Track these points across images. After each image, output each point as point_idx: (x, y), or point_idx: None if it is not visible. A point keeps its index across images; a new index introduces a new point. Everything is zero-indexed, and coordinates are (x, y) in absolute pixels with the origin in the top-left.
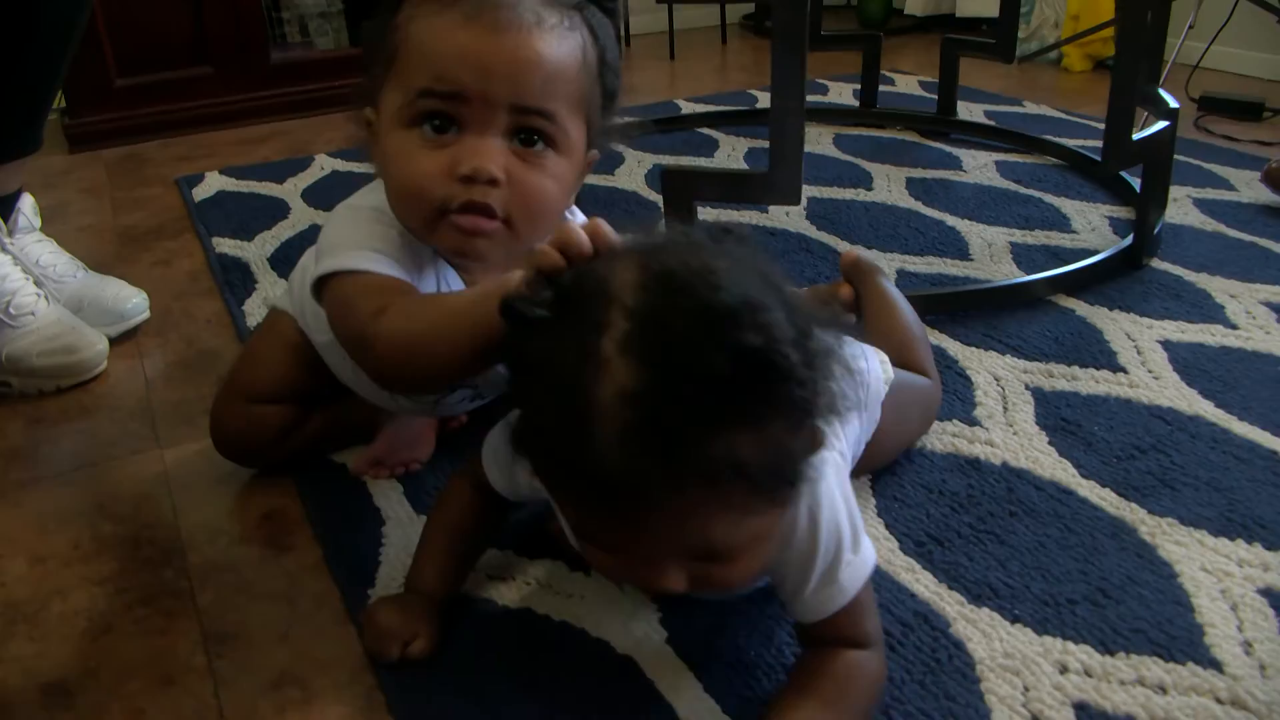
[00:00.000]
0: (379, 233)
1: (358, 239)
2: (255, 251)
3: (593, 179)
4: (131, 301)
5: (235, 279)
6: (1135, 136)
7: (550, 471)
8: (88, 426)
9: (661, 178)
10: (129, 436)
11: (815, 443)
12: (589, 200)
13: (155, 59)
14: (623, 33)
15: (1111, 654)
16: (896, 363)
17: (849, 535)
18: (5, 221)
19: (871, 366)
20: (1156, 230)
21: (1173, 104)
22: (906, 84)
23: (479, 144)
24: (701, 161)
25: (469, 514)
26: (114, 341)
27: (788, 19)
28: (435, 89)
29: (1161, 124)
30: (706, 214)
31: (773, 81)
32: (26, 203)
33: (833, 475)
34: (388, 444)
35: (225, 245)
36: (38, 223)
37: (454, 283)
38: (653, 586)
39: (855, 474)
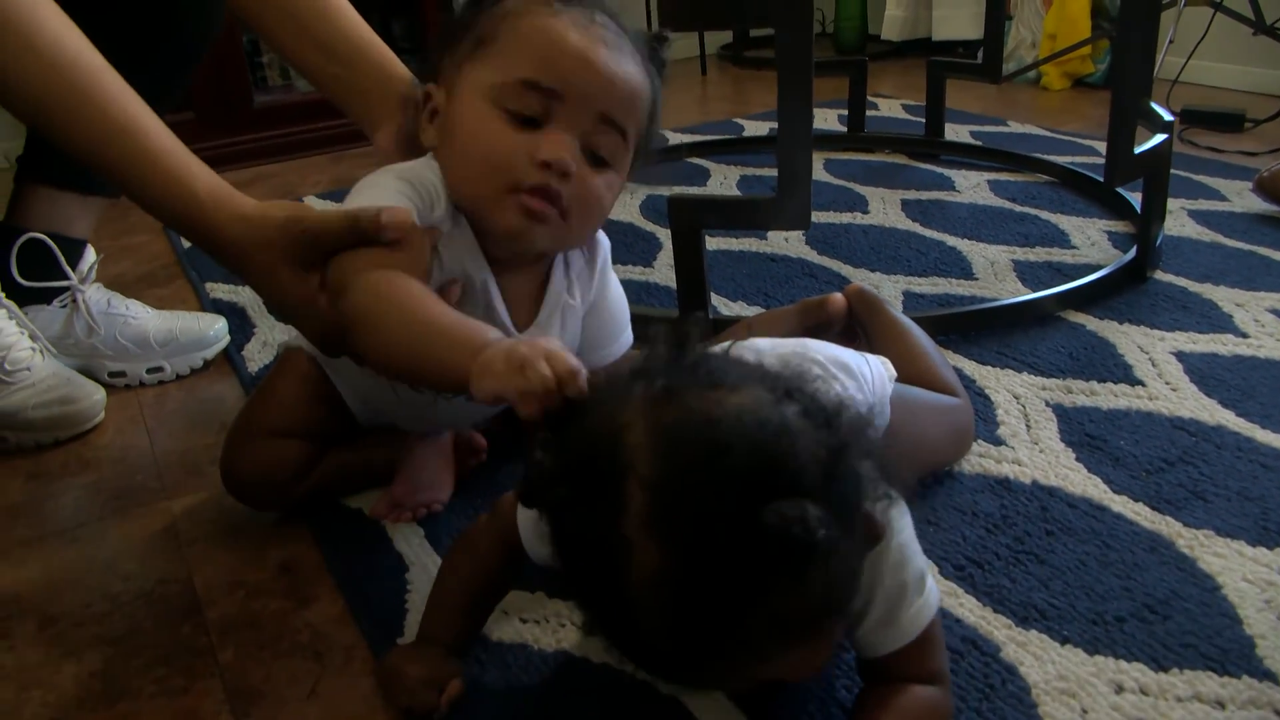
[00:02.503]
0: (419, 179)
1: (386, 181)
2: (250, 295)
3: None
4: (216, 325)
5: (232, 324)
6: (1136, 151)
7: (598, 626)
8: (90, 480)
9: (668, 206)
10: (134, 489)
11: (874, 537)
12: None
13: None
14: None
15: (1165, 670)
16: (921, 385)
17: (913, 589)
18: (74, 268)
19: (873, 368)
20: (1158, 243)
21: (1167, 117)
22: (890, 107)
23: (562, 137)
24: (694, 190)
25: (491, 565)
26: (112, 392)
27: (793, 45)
28: (540, 82)
29: (1160, 137)
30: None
31: (780, 108)
32: (92, 254)
33: (904, 527)
34: (406, 485)
35: (219, 290)
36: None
37: (486, 276)
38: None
39: None
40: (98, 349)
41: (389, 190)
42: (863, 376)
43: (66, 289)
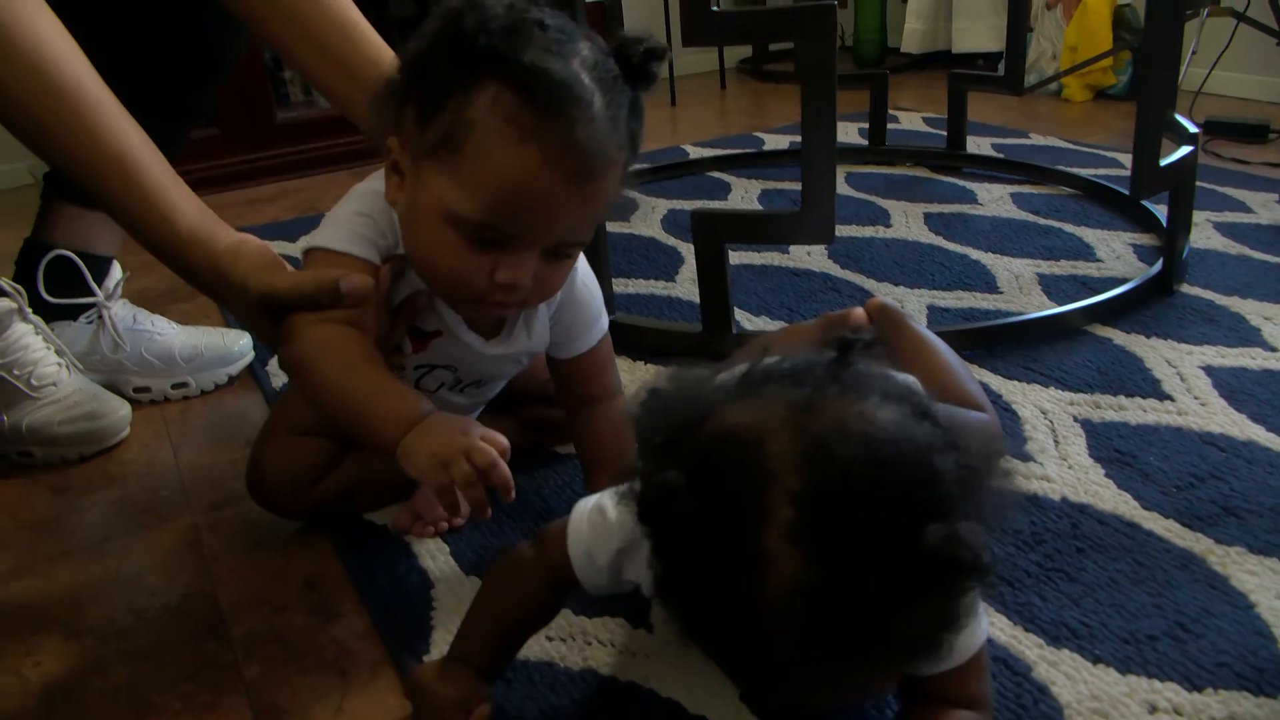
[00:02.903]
0: (378, 211)
1: (348, 218)
2: None
3: (610, 226)
4: (241, 341)
5: (255, 340)
6: (1161, 163)
7: (706, 642)
8: (116, 495)
9: (692, 221)
10: (159, 504)
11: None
12: (611, 249)
13: None
14: None
15: (1199, 690)
16: (948, 400)
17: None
18: (100, 284)
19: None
20: (1184, 256)
21: (1192, 129)
22: (910, 120)
23: (519, 261)
24: (716, 205)
25: (538, 599)
26: (137, 408)
27: (815, 57)
28: (501, 226)
29: (1185, 149)
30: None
31: (803, 121)
32: (118, 271)
33: None
34: (427, 496)
35: None
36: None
37: (459, 328)
38: None
39: None
40: (123, 365)
41: (350, 230)
42: None
43: (93, 305)
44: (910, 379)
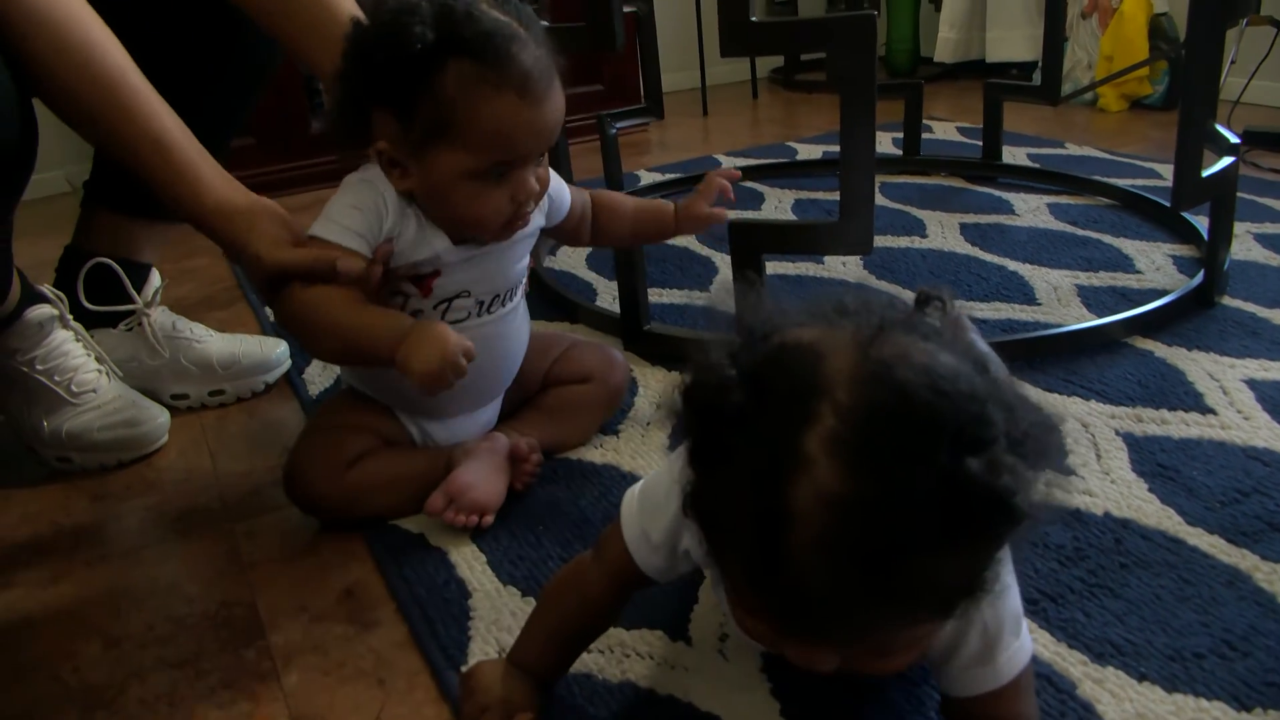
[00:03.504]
0: (367, 204)
1: (343, 212)
2: None
3: None
4: (278, 349)
5: (293, 347)
6: (1204, 174)
7: (726, 560)
8: (154, 502)
9: (729, 231)
10: (196, 511)
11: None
12: (646, 260)
13: None
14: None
15: (1248, 710)
16: None
17: (1009, 629)
18: (139, 291)
19: None
20: (1225, 267)
21: (1233, 139)
22: (944, 130)
23: (527, 177)
24: (749, 215)
25: (601, 606)
26: (175, 414)
27: (855, 67)
28: (508, 159)
29: (1227, 160)
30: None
31: (842, 131)
32: (157, 278)
33: (1007, 560)
34: (458, 482)
35: None
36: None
37: (440, 244)
38: (800, 663)
39: None
40: (161, 372)
41: (342, 225)
42: None
43: (132, 313)
44: (984, 346)
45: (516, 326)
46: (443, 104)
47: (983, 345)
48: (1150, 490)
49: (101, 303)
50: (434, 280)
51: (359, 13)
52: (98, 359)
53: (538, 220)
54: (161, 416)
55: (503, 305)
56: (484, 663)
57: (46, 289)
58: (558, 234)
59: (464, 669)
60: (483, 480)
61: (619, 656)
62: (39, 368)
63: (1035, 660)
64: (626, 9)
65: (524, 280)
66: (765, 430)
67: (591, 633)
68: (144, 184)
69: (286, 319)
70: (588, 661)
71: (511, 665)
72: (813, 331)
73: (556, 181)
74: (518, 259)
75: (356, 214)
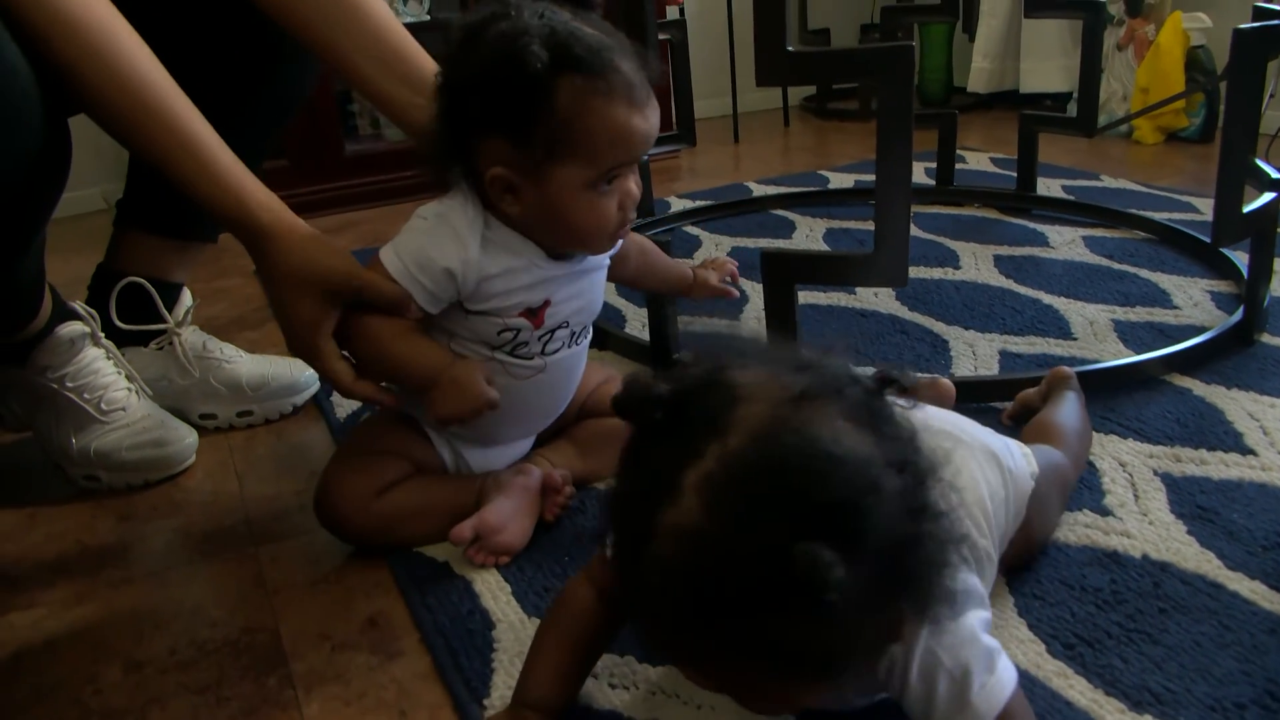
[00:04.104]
0: (452, 266)
1: (424, 265)
2: None
3: None
4: (306, 373)
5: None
6: (1245, 210)
7: (612, 559)
8: (180, 523)
9: (761, 261)
10: (222, 533)
11: (892, 637)
12: None
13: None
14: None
15: None
16: (1029, 439)
17: (979, 667)
18: (170, 311)
19: (1017, 464)
20: (1265, 304)
21: (1274, 174)
22: (978, 161)
23: (629, 182)
24: (780, 243)
25: (587, 620)
26: (203, 435)
27: (892, 97)
28: (621, 163)
29: (1269, 195)
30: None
31: (878, 161)
32: (188, 297)
33: (971, 614)
34: (490, 522)
35: None
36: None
37: (539, 259)
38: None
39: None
40: (190, 392)
41: (404, 269)
42: (1007, 470)
43: (163, 332)
44: (938, 443)
45: (583, 360)
46: (560, 120)
47: (940, 442)
48: (1189, 533)
49: (133, 321)
50: (546, 310)
51: (391, 15)
52: (128, 377)
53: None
54: (190, 437)
55: (585, 338)
56: (495, 715)
57: (78, 306)
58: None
59: None
60: (512, 521)
61: (644, 693)
62: (69, 385)
63: (1071, 707)
64: (660, 36)
65: None
66: (664, 452)
67: (589, 653)
68: (177, 185)
69: (349, 334)
70: (613, 697)
71: (517, 706)
72: (753, 375)
73: None
74: (600, 283)
75: (440, 281)
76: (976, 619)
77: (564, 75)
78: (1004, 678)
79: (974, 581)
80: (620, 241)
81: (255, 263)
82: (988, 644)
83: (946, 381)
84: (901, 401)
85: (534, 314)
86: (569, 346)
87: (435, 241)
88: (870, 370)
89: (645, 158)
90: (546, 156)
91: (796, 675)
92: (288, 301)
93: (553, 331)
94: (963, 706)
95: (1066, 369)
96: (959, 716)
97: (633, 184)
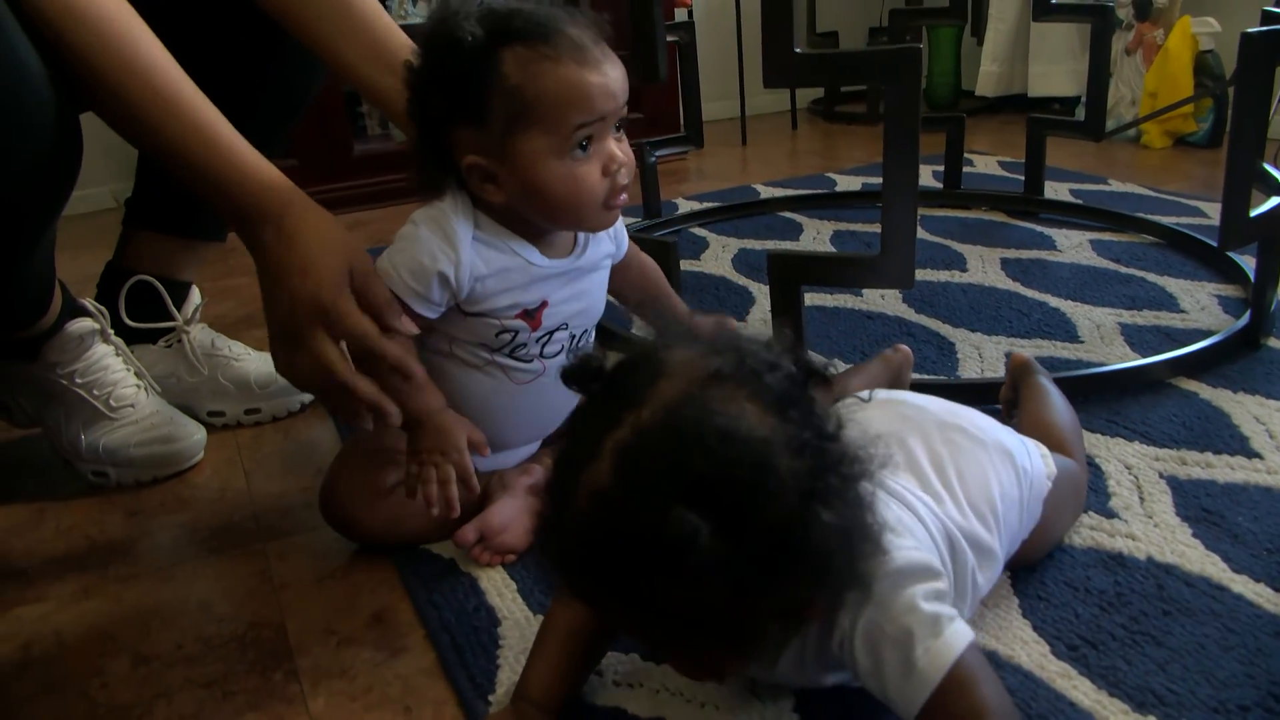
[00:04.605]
0: (444, 270)
1: (418, 271)
2: None
3: (681, 265)
4: None
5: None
6: (1252, 214)
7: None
8: (187, 519)
9: (768, 262)
10: (229, 530)
11: (800, 614)
12: (682, 288)
13: None
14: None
15: None
16: (1039, 438)
17: (923, 632)
18: (179, 309)
19: (1034, 464)
20: (1272, 308)
21: None
22: (986, 164)
23: (610, 146)
24: (787, 245)
25: (589, 617)
26: (211, 432)
27: (900, 100)
28: (588, 120)
29: (1275, 200)
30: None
31: (885, 163)
32: (197, 295)
33: (919, 586)
34: (494, 522)
35: None
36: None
37: (533, 256)
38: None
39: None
40: (199, 389)
41: (399, 278)
42: (1022, 470)
43: (172, 329)
44: (950, 436)
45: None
46: (510, 92)
47: (952, 436)
48: (1194, 535)
49: (142, 319)
50: (543, 311)
51: (379, 9)
52: (137, 374)
53: (608, 247)
54: (198, 434)
55: (585, 341)
56: (496, 712)
57: (88, 303)
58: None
59: None
60: (515, 521)
61: (648, 691)
62: (78, 381)
63: (1075, 708)
64: (669, 39)
65: None
66: (595, 419)
67: (592, 650)
68: (188, 173)
69: None
70: (617, 697)
71: (518, 701)
72: (681, 355)
73: (620, 224)
74: (602, 284)
75: (435, 285)
76: (920, 590)
77: (507, 48)
78: (951, 640)
79: (914, 557)
80: (619, 219)
81: (265, 241)
82: (932, 610)
83: (904, 347)
84: (862, 395)
85: (531, 315)
86: (570, 349)
87: (426, 247)
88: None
89: (654, 157)
90: (507, 131)
91: (693, 638)
92: (314, 259)
93: (551, 333)
94: (909, 671)
95: (1022, 354)
96: (907, 682)
97: (614, 147)
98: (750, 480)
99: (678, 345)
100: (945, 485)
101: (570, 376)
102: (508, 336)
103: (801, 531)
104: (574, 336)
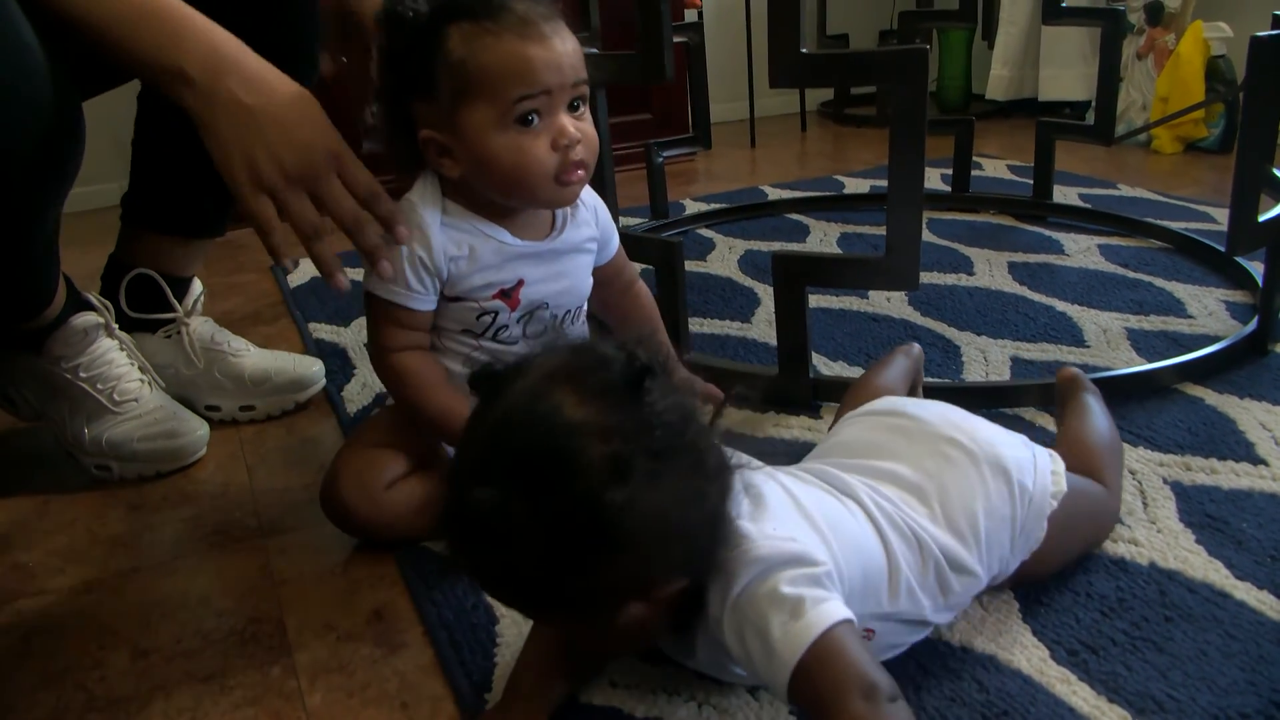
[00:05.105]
0: (415, 250)
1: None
2: (352, 337)
3: (687, 265)
4: (314, 368)
5: (333, 365)
6: (1260, 219)
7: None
8: (190, 514)
9: (773, 263)
10: (231, 525)
11: (624, 593)
12: (686, 289)
13: None
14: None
15: None
16: (1074, 468)
17: (781, 615)
18: (181, 302)
19: (1038, 482)
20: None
21: None
22: (995, 168)
23: (561, 121)
24: (794, 247)
25: None
26: (214, 427)
27: (906, 101)
28: (529, 93)
29: None
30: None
31: (890, 164)
32: (198, 286)
33: (762, 577)
34: None
35: (322, 331)
36: (202, 304)
37: (503, 237)
38: None
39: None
40: (196, 382)
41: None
42: (1017, 487)
43: (173, 320)
44: (939, 448)
45: (583, 326)
46: (454, 66)
47: (941, 448)
48: (1198, 541)
49: (143, 310)
50: (520, 290)
51: None
52: (141, 369)
53: (589, 231)
54: (201, 429)
55: (574, 323)
56: (488, 711)
57: (93, 297)
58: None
59: None
60: None
61: (644, 691)
62: (82, 375)
63: (1074, 713)
64: (677, 39)
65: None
66: (479, 415)
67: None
68: (140, 52)
69: (380, 374)
70: (614, 697)
71: (509, 697)
72: (545, 359)
73: (608, 216)
74: (585, 267)
75: (414, 272)
76: (785, 576)
77: (453, 24)
78: (812, 620)
79: (784, 547)
80: (579, 195)
81: (227, 88)
82: (794, 593)
83: (917, 346)
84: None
85: (508, 295)
86: (552, 329)
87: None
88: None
89: (661, 157)
90: (453, 103)
91: (529, 604)
92: (310, 112)
93: (532, 312)
94: (769, 654)
95: (1071, 369)
96: (770, 665)
97: (566, 121)
98: (552, 460)
99: (545, 352)
100: (922, 499)
101: (470, 381)
102: (488, 319)
103: (610, 510)
104: (557, 316)
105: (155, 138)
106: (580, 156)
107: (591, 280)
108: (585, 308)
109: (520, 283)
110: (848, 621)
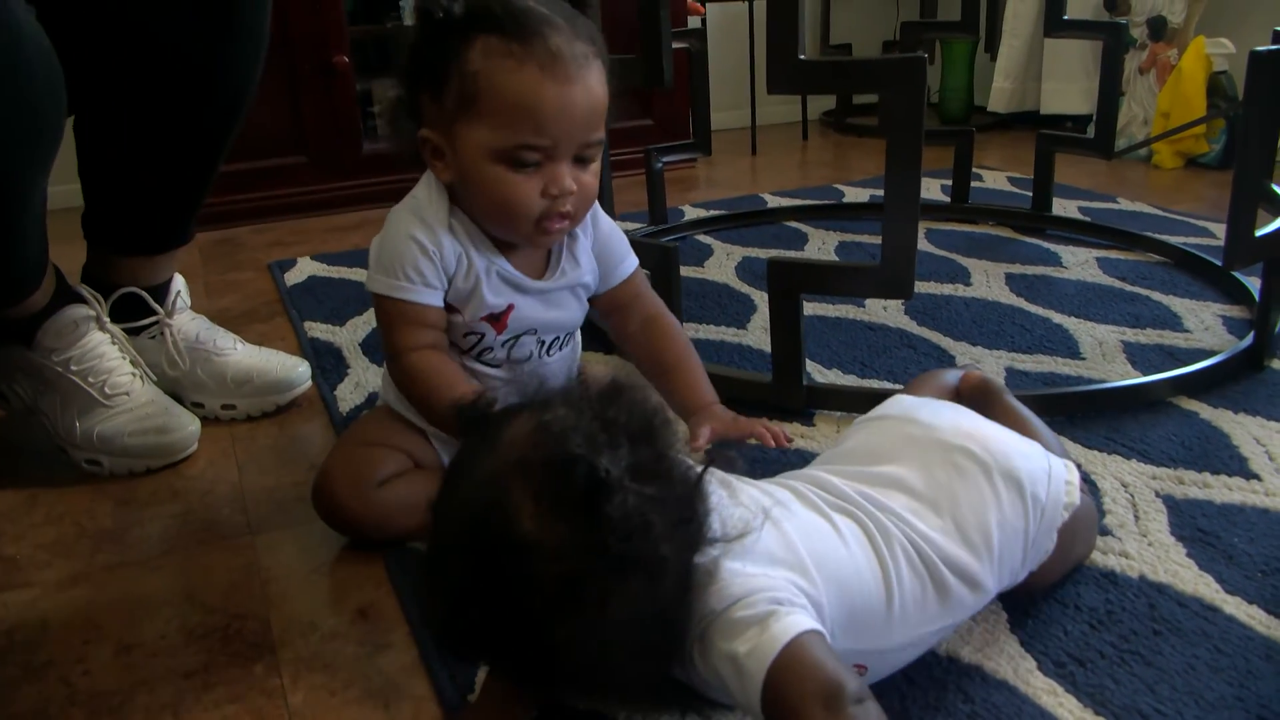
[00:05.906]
0: (422, 240)
1: (399, 258)
2: (347, 337)
3: (683, 271)
4: (298, 370)
5: (328, 363)
6: (1257, 234)
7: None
8: (178, 510)
9: (768, 269)
10: (219, 522)
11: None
12: (683, 294)
13: (254, 148)
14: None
15: None
16: None
17: (747, 635)
18: (161, 305)
19: (1052, 495)
20: (1276, 330)
21: None
22: (995, 180)
23: (559, 170)
24: (792, 255)
25: None
26: (206, 423)
27: (903, 109)
28: (533, 143)
29: None
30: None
31: (887, 172)
32: (179, 282)
33: (730, 609)
34: None
35: (317, 330)
36: (189, 300)
37: (502, 265)
38: None
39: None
40: (180, 381)
41: (388, 281)
42: (1031, 499)
43: (155, 323)
44: (954, 459)
45: (569, 364)
46: (468, 76)
47: (955, 458)
48: (1189, 555)
49: (125, 317)
50: (509, 315)
51: None
52: (133, 363)
53: (585, 279)
54: (192, 425)
55: (560, 349)
56: (465, 710)
57: (83, 289)
58: (601, 304)
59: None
60: None
61: None
62: (73, 368)
63: None
64: (679, 45)
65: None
66: (465, 450)
67: None
68: None
69: (395, 378)
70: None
71: (486, 694)
72: (517, 444)
73: (619, 235)
74: (579, 298)
75: (421, 257)
76: (750, 600)
77: (481, 34)
78: (776, 632)
79: (753, 584)
80: (555, 239)
81: None
82: (761, 611)
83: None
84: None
85: (496, 319)
86: (540, 356)
87: (403, 229)
88: None
89: (660, 163)
90: (456, 112)
91: (500, 662)
92: None
93: (518, 337)
94: (741, 675)
95: (978, 373)
96: (742, 685)
97: (566, 174)
98: (503, 578)
99: (521, 417)
100: (934, 510)
101: (459, 420)
102: (474, 339)
103: (556, 638)
104: (544, 343)
105: (99, 168)
106: (568, 209)
107: (584, 309)
108: (577, 333)
109: (510, 308)
110: (815, 632)
